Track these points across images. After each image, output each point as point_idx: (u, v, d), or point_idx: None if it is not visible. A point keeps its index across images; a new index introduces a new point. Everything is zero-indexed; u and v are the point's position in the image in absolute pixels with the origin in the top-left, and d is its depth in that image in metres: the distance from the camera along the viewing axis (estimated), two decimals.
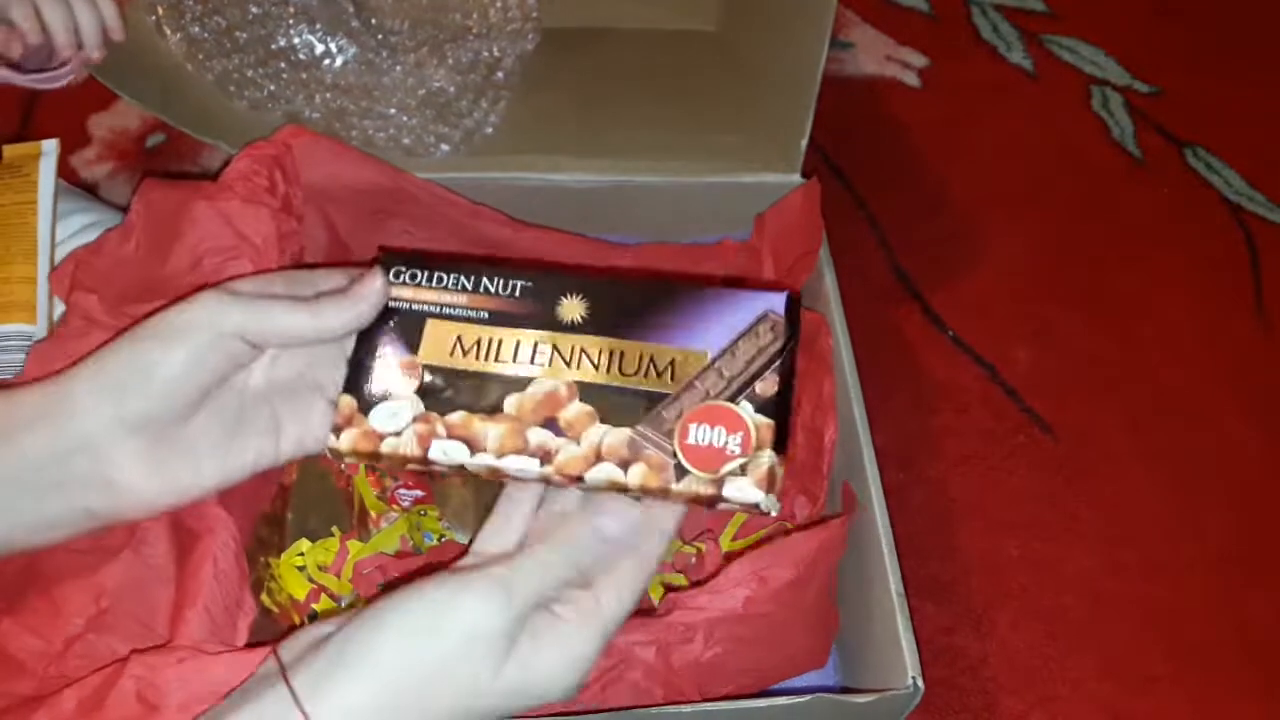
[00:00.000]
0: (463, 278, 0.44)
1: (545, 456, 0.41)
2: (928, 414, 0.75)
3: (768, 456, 0.40)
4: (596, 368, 0.42)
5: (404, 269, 0.45)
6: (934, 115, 0.92)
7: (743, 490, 0.40)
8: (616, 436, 0.41)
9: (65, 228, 0.62)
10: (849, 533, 0.54)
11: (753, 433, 0.40)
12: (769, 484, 0.40)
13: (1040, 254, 0.84)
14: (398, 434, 0.42)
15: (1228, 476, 0.73)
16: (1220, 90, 0.95)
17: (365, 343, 0.44)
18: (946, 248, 0.84)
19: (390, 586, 0.54)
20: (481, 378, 0.42)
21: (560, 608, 0.40)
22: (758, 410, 0.41)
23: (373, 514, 0.57)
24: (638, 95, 0.75)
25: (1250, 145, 0.91)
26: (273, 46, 0.69)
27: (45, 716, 0.42)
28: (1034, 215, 0.86)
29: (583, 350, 0.42)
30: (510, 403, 0.42)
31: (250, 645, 0.46)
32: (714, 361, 0.42)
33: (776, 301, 0.42)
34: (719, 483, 0.40)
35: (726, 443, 0.40)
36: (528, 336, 0.43)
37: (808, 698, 0.46)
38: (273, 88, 0.68)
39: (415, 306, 0.44)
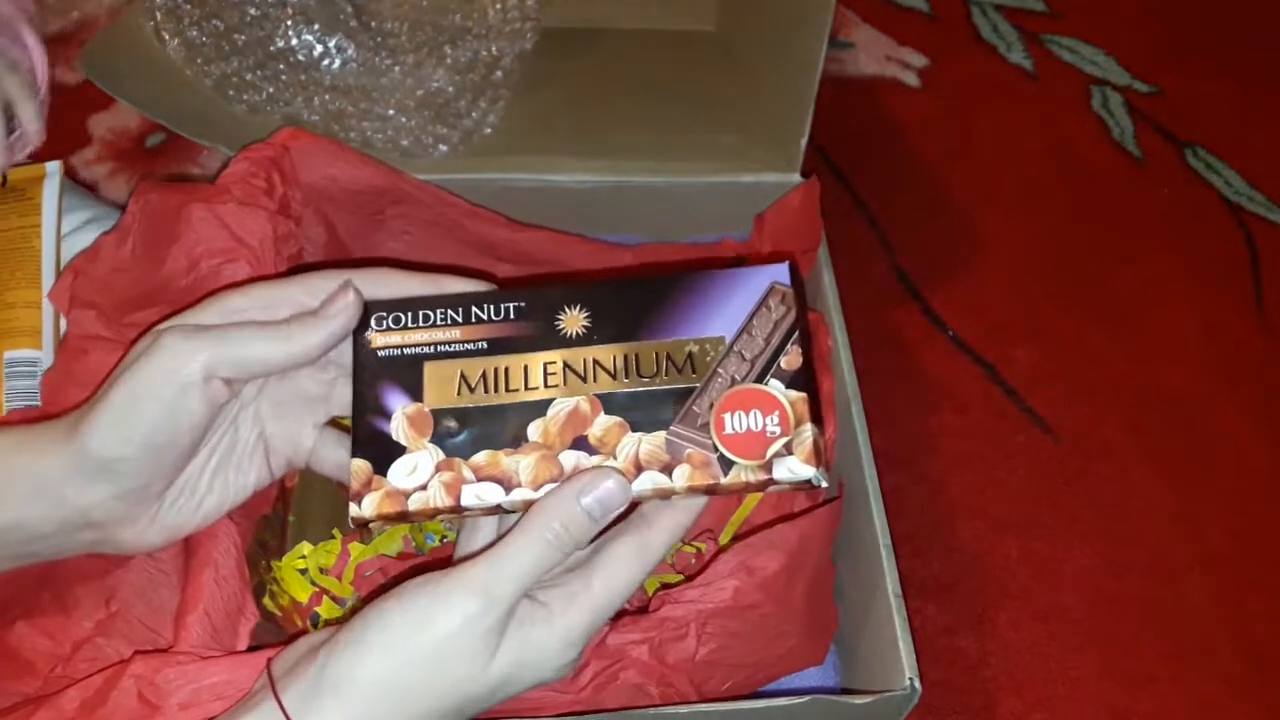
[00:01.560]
0: (450, 311, 0.42)
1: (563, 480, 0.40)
2: (928, 414, 0.75)
3: (809, 430, 0.39)
4: (614, 376, 0.40)
5: (385, 314, 0.43)
6: (934, 115, 0.92)
7: (793, 469, 0.39)
8: (652, 442, 0.39)
9: (67, 223, 0.63)
10: (843, 526, 0.54)
11: (789, 409, 0.39)
12: (816, 458, 0.39)
13: (1040, 254, 0.84)
14: (423, 488, 0.40)
15: (1228, 476, 0.73)
16: (1220, 90, 0.95)
17: (364, 398, 0.42)
18: (946, 248, 0.84)
19: (389, 589, 0.54)
20: (497, 411, 0.41)
21: (546, 594, 0.39)
22: (788, 386, 0.40)
23: None
24: (637, 95, 0.75)
25: (1250, 145, 0.91)
26: (271, 49, 0.69)
27: (48, 715, 0.42)
28: (1034, 215, 0.86)
29: (595, 361, 0.41)
30: (534, 430, 0.40)
31: (252, 649, 0.46)
32: (732, 345, 0.40)
33: (780, 272, 0.41)
34: (767, 467, 0.39)
35: (765, 425, 0.39)
36: (535, 359, 0.41)
37: (805, 698, 0.46)
38: (271, 90, 0.68)
39: (408, 351, 0.42)
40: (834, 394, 0.57)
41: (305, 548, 0.55)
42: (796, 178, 0.67)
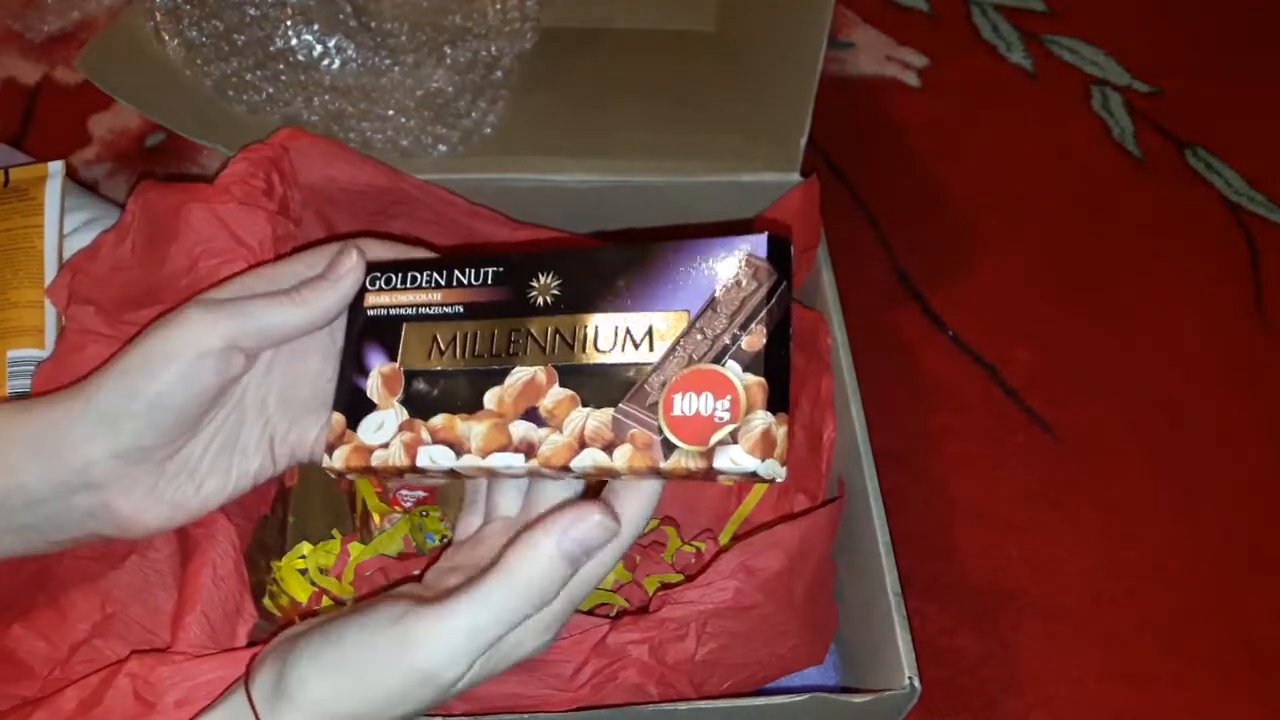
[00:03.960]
0: (435, 274, 0.43)
1: (529, 450, 0.39)
2: (928, 414, 0.75)
3: (760, 418, 0.36)
4: (573, 347, 0.39)
5: (379, 275, 0.43)
6: (934, 115, 0.92)
7: (736, 459, 0.35)
8: (599, 419, 0.38)
9: (68, 222, 0.63)
10: (843, 527, 0.54)
11: (741, 394, 0.36)
12: (765, 449, 0.36)
13: (1040, 254, 0.84)
14: (386, 445, 0.41)
15: (1228, 476, 0.73)
16: (1220, 90, 0.95)
17: (349, 356, 0.43)
18: (946, 248, 0.84)
19: (390, 589, 0.54)
20: (460, 376, 0.41)
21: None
22: (746, 369, 0.36)
23: (375, 516, 0.58)
24: (637, 95, 0.75)
25: (1250, 145, 0.91)
26: (270, 49, 0.69)
27: (45, 715, 0.42)
28: (1034, 215, 0.86)
29: (557, 331, 0.40)
30: (490, 397, 0.40)
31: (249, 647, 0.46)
32: (695, 321, 0.38)
33: (756, 244, 0.38)
34: (709, 454, 0.36)
35: (714, 409, 0.36)
36: (503, 326, 0.41)
37: (804, 696, 0.46)
38: (271, 90, 0.68)
39: (393, 312, 0.43)
40: (832, 393, 0.57)
41: (305, 548, 0.55)
42: (796, 177, 0.67)
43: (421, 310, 0.42)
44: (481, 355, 0.41)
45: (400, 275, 0.43)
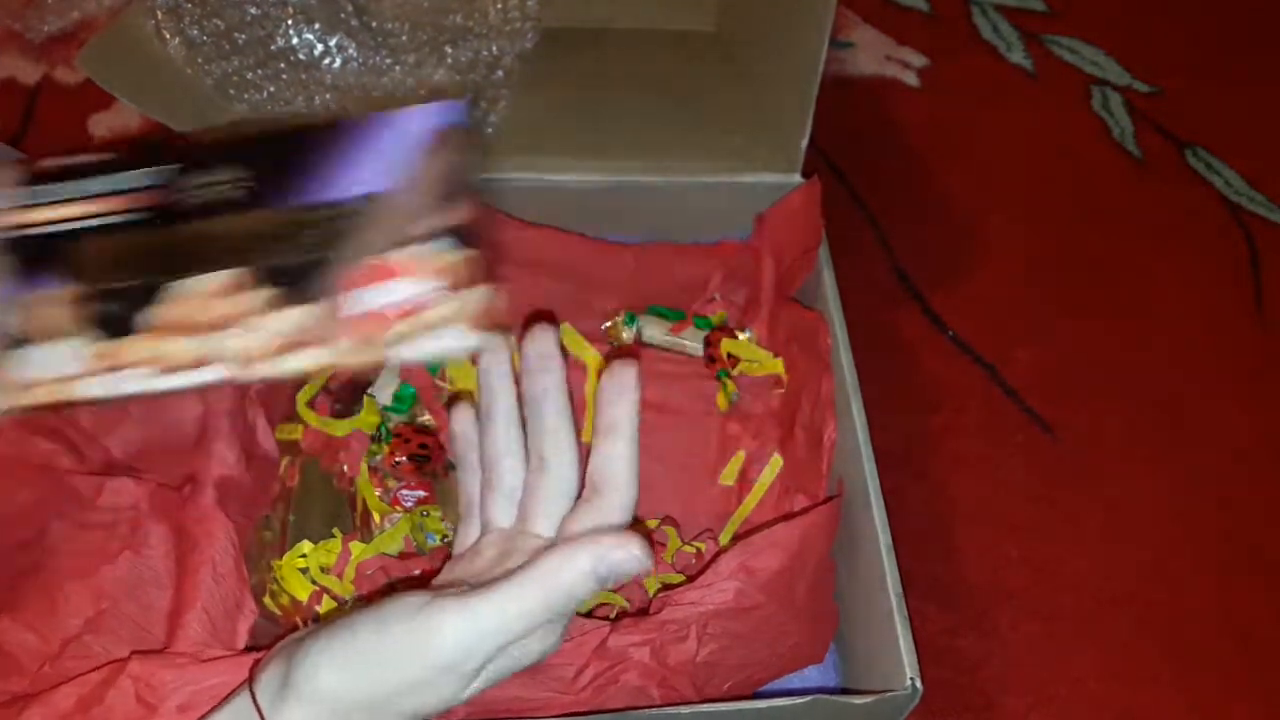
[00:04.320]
0: (105, 180, 0.38)
1: (221, 360, 0.36)
2: (928, 414, 0.75)
3: (463, 293, 0.35)
4: (263, 246, 0.36)
5: (37, 187, 0.38)
6: (934, 115, 0.92)
7: (450, 338, 0.35)
8: (290, 318, 0.36)
9: None
10: (843, 527, 0.54)
11: (444, 271, 0.35)
12: (474, 322, 0.35)
13: (1040, 254, 0.84)
14: (63, 377, 0.36)
15: (1228, 477, 0.73)
16: (1220, 90, 0.95)
17: (13, 280, 0.38)
18: (946, 248, 0.84)
19: (393, 588, 0.54)
20: (145, 290, 0.36)
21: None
22: (450, 244, 0.35)
23: (375, 515, 0.58)
24: (638, 95, 0.75)
25: (1250, 145, 0.91)
26: (272, 48, 0.69)
27: (42, 712, 0.42)
28: (1034, 215, 0.86)
29: (248, 230, 0.36)
30: (177, 311, 0.36)
31: (251, 648, 0.46)
32: (391, 201, 0.36)
33: (453, 112, 0.37)
34: (411, 337, 0.35)
35: (414, 292, 0.35)
36: (190, 230, 0.37)
37: (807, 699, 0.46)
38: (272, 89, 0.68)
39: (64, 226, 0.37)
40: (833, 394, 0.57)
41: (306, 547, 0.55)
42: (797, 178, 0.67)
43: (98, 220, 0.37)
44: (169, 266, 0.37)
45: (70, 184, 0.38)
